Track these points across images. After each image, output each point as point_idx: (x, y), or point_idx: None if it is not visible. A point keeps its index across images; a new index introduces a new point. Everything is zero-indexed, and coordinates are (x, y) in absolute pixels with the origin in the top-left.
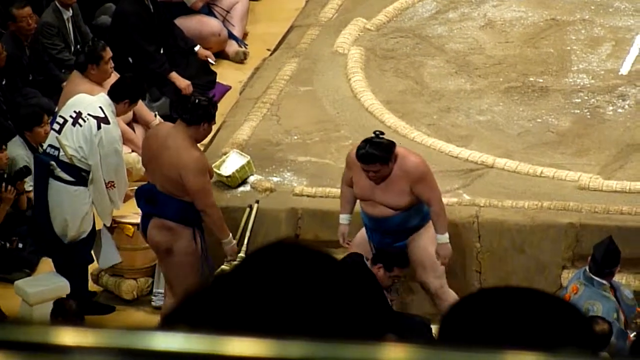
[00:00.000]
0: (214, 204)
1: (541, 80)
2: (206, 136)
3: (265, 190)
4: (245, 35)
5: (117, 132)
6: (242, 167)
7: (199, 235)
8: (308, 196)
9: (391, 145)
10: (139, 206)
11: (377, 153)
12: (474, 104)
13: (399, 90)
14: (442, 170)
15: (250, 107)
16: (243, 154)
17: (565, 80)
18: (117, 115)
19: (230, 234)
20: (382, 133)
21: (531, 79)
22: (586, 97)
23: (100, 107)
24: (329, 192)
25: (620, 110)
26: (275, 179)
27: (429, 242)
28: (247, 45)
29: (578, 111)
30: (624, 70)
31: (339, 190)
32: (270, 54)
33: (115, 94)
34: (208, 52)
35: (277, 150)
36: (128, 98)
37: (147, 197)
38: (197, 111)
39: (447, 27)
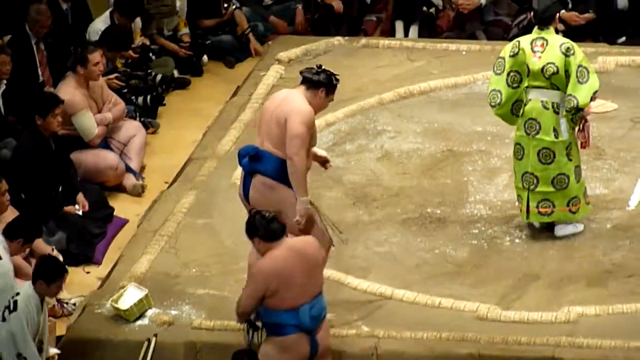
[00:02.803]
0: (304, 157)
1: (438, 211)
2: (320, 108)
3: (163, 323)
4: (142, 168)
5: (9, 266)
6: (140, 301)
7: None
8: (207, 329)
9: (251, 228)
10: (241, 164)
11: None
12: (372, 235)
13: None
14: (341, 302)
15: (148, 240)
16: (141, 287)
17: (463, 211)
18: (11, 254)
19: (309, 197)
20: (273, 217)
21: (428, 210)
22: (483, 228)
23: None
24: (227, 325)
25: (517, 240)
26: (173, 312)
27: None
28: (144, 178)
29: (475, 242)
30: None
31: (237, 324)
32: (168, 187)
33: (9, 232)
34: (80, 200)
35: (175, 283)
36: (22, 237)
37: (251, 155)
38: (319, 75)
39: (344, 159)
